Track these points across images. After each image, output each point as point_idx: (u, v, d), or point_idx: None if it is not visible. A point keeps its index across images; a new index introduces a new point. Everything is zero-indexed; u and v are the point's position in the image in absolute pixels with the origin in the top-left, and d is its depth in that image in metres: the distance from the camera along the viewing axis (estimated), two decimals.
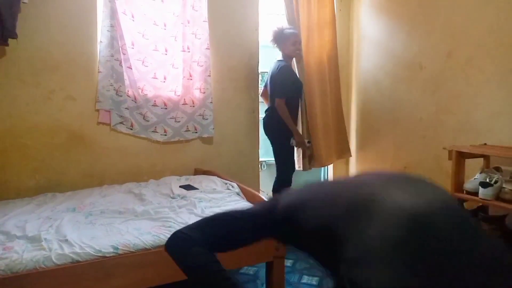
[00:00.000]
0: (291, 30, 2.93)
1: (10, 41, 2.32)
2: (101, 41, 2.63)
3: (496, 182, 1.93)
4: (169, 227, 1.84)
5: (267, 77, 3.06)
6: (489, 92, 2.33)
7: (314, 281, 2.32)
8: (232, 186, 2.45)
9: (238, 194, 2.37)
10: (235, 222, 0.98)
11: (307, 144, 3.07)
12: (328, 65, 3.37)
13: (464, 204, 2.12)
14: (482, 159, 2.19)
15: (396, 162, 3.12)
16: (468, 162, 2.16)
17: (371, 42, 3.40)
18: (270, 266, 1.99)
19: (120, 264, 1.62)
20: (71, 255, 1.56)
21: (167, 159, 2.96)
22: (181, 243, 0.90)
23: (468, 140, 2.39)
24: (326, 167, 3.67)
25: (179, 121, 2.95)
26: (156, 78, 2.86)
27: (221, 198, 2.27)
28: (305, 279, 2.34)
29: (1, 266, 1.45)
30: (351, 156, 3.60)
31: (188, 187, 2.49)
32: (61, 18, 2.56)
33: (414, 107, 2.91)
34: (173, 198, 2.32)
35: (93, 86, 2.67)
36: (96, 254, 1.60)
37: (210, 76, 3.01)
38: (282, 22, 3.17)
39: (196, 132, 3.02)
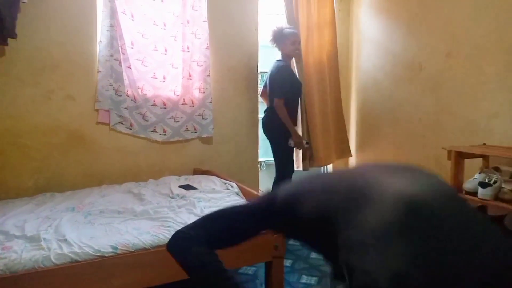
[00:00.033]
0: (290, 30, 2.93)
1: (9, 41, 2.32)
2: (100, 41, 2.63)
3: (495, 182, 1.93)
4: (168, 227, 1.84)
5: (266, 77, 3.06)
6: (488, 92, 2.33)
7: (313, 280, 2.32)
8: (232, 186, 2.45)
9: (237, 194, 2.36)
10: (235, 216, 0.99)
11: (306, 145, 3.07)
12: (327, 65, 3.37)
13: None
14: (481, 159, 2.19)
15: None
16: (468, 162, 2.16)
17: (371, 42, 3.40)
18: (269, 266, 1.98)
19: (119, 264, 1.61)
20: (70, 255, 1.56)
21: (167, 159, 2.96)
22: (183, 243, 0.90)
23: (468, 140, 2.39)
24: (325, 167, 3.67)
25: (178, 121, 2.95)
26: (156, 78, 2.86)
27: (220, 198, 2.27)
28: (304, 279, 2.34)
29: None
30: (351, 156, 3.60)
31: (187, 187, 2.49)
32: (60, 18, 2.56)
33: (414, 107, 2.91)
34: (172, 198, 2.32)
35: (93, 86, 2.67)
36: (95, 254, 1.59)
37: (209, 76, 3.01)
38: (281, 22, 3.17)
39: (196, 132, 3.02)
